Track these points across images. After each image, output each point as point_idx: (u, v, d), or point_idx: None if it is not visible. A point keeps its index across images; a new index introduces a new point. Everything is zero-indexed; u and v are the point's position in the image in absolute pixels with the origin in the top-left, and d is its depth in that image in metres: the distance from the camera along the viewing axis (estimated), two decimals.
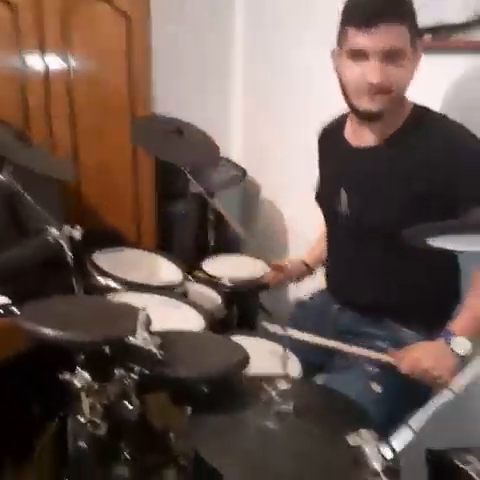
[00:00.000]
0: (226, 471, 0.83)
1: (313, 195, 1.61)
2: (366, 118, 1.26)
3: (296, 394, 0.94)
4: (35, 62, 2.13)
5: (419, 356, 1.19)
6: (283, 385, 0.94)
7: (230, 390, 1.01)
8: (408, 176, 1.23)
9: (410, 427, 0.77)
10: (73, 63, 2.18)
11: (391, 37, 1.15)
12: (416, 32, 1.20)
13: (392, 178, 1.26)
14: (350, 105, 1.27)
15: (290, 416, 0.93)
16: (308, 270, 1.68)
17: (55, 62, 2.15)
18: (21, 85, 2.12)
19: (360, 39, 1.17)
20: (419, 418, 0.78)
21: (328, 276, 1.54)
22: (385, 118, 1.26)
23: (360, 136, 1.34)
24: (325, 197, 1.46)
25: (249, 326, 1.96)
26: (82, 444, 1.04)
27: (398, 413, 1.24)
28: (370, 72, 1.18)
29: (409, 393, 1.25)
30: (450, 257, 1.35)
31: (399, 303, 1.33)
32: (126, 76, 2.24)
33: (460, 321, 1.23)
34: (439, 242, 0.73)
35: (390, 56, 1.17)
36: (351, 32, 1.19)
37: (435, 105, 1.39)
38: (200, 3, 2.58)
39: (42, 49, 2.11)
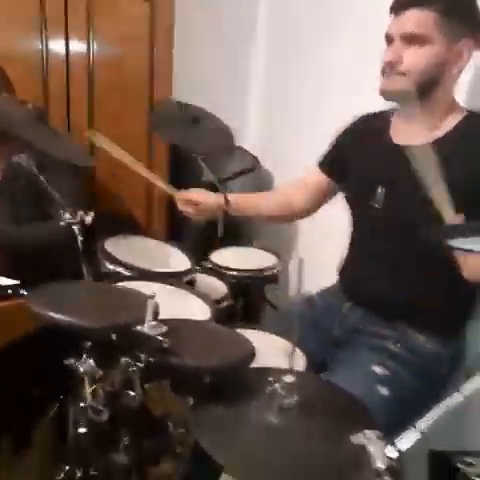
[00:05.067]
0: (226, 462, 0.83)
1: None
2: (386, 98, 1.28)
3: (301, 388, 0.93)
4: (58, 46, 2.14)
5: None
6: (288, 378, 0.93)
7: (234, 381, 1.00)
8: (448, 180, 1.19)
9: (417, 428, 0.76)
10: (95, 47, 2.18)
11: (412, 22, 1.20)
12: (460, 23, 1.20)
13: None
14: None
15: (293, 410, 0.92)
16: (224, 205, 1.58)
17: (77, 46, 2.16)
18: (43, 68, 2.13)
19: (390, 24, 1.25)
20: (427, 420, 0.77)
21: (344, 273, 1.51)
22: (420, 110, 1.25)
23: (406, 134, 1.32)
24: (358, 191, 1.43)
25: (253, 319, 1.96)
26: (82, 429, 1.04)
27: (403, 417, 1.23)
28: (386, 52, 1.25)
29: (416, 397, 1.24)
30: None
31: (415, 305, 1.31)
32: (147, 60, 2.24)
33: None
34: (459, 243, 0.73)
35: (410, 40, 1.21)
36: (390, 19, 1.26)
37: None
38: None
39: (66, 33, 2.13)
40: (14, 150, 1.71)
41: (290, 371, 0.97)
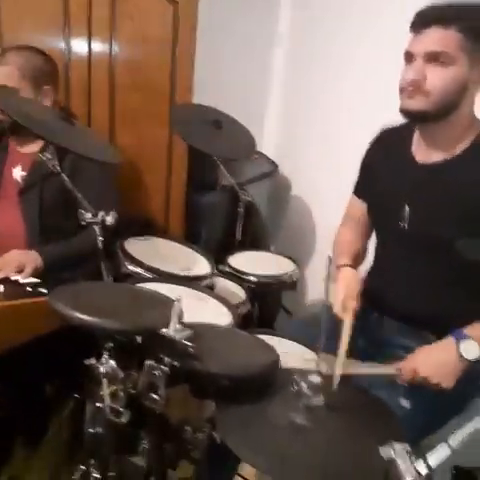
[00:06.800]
0: (251, 462, 0.84)
1: (343, 195, 1.59)
2: (406, 117, 1.25)
3: (327, 389, 0.94)
4: (80, 44, 2.15)
5: (417, 365, 1.18)
6: (315, 379, 0.93)
7: (259, 381, 1.00)
8: (474, 195, 1.20)
9: (448, 444, 0.74)
10: (117, 47, 2.19)
11: (434, 40, 1.16)
12: None
13: (458, 195, 1.23)
14: None
15: (320, 410, 0.92)
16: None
17: (99, 46, 2.17)
18: (65, 65, 2.14)
19: (411, 42, 1.21)
20: (458, 436, 0.75)
21: (369, 284, 1.47)
22: (440, 129, 1.24)
23: (428, 152, 1.31)
24: (384, 210, 1.41)
25: (267, 324, 1.95)
26: (99, 430, 1.04)
27: (426, 428, 1.23)
28: (408, 70, 1.21)
29: (438, 408, 1.23)
30: None
31: (441, 316, 1.29)
32: (169, 62, 2.23)
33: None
34: None
35: (433, 59, 1.17)
36: (410, 37, 1.22)
37: None
38: None
39: (89, 32, 2.13)
40: (39, 148, 1.71)
41: (316, 372, 0.97)
